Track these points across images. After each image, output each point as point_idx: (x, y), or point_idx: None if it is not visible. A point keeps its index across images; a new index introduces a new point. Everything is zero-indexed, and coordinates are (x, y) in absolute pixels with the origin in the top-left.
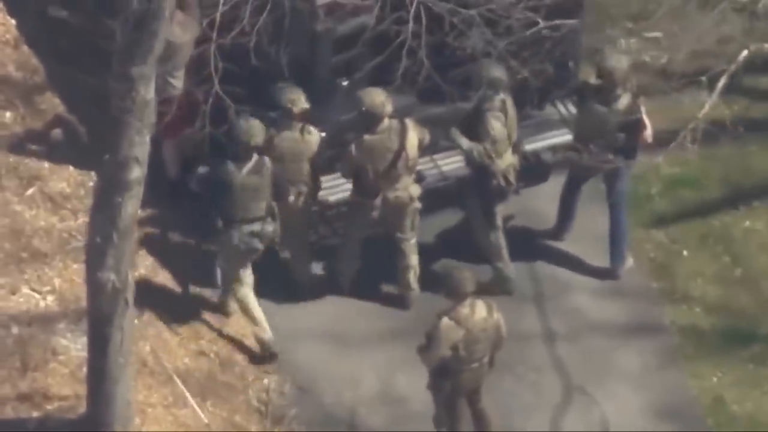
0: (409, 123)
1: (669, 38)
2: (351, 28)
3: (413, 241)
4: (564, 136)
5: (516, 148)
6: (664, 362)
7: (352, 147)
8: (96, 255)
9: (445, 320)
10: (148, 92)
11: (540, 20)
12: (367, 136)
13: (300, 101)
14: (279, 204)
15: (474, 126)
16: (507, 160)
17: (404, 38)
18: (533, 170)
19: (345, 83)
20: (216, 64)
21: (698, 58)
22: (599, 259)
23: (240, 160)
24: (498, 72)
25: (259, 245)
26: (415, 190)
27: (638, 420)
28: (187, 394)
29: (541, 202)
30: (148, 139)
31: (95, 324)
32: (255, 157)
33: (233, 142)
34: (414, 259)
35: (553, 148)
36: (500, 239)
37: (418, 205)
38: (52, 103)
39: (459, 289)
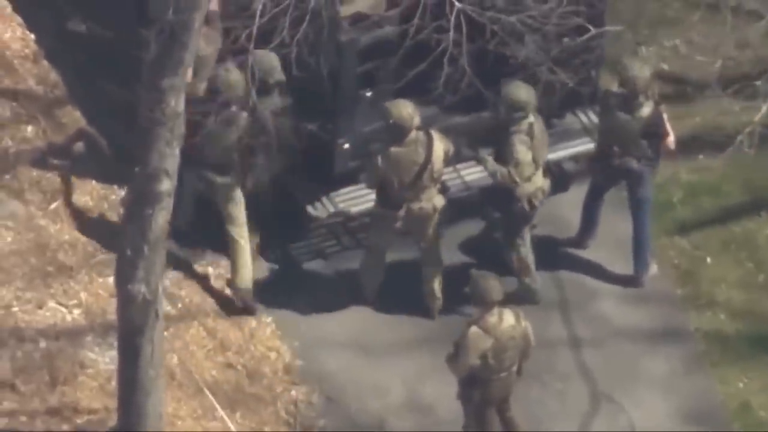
0: (435, 134)
1: (687, 45)
2: (375, 38)
3: (438, 251)
4: (586, 145)
5: (546, 170)
6: (690, 368)
7: (379, 158)
8: (127, 267)
9: (474, 329)
10: (179, 104)
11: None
12: (394, 148)
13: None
14: None
15: (501, 147)
16: (535, 183)
17: (445, 46)
18: (555, 179)
19: (369, 94)
20: (253, 74)
21: (716, 63)
22: (623, 266)
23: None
24: (524, 94)
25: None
26: (440, 201)
27: (665, 426)
28: (217, 406)
29: (563, 210)
30: (177, 151)
31: (126, 336)
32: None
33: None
34: (439, 269)
35: (576, 157)
36: (527, 255)
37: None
38: (73, 117)
39: (486, 297)
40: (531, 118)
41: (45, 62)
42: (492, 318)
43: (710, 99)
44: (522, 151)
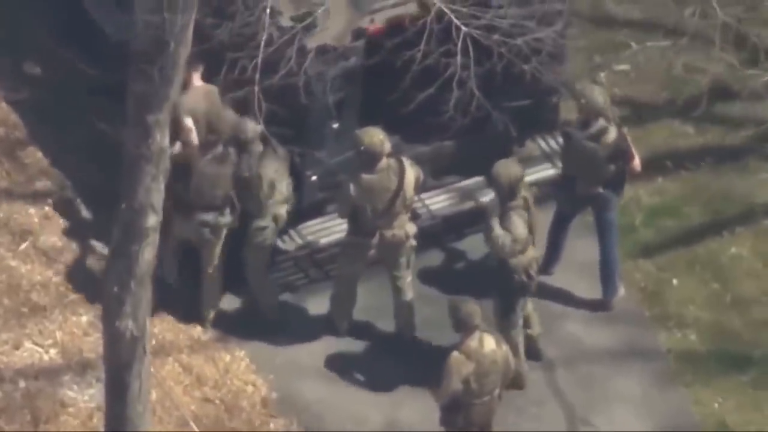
0: (406, 161)
1: (635, 70)
2: (342, 70)
3: (409, 279)
4: (547, 171)
5: (544, 262)
6: (663, 388)
7: (351, 186)
8: (114, 303)
9: (455, 354)
10: (164, 139)
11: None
12: (365, 175)
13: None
14: None
15: (501, 221)
16: (529, 255)
17: (453, 71)
18: None
19: (335, 125)
20: (260, 105)
21: (667, 87)
22: (590, 290)
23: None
24: (515, 172)
25: (209, 236)
26: (411, 228)
27: None
28: None
29: None
30: (163, 186)
31: (113, 372)
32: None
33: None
34: (410, 296)
35: (537, 183)
36: (518, 336)
37: (414, 243)
38: (36, 158)
39: (468, 322)
40: (524, 193)
41: (4, 104)
42: (473, 343)
43: (662, 122)
44: (520, 226)
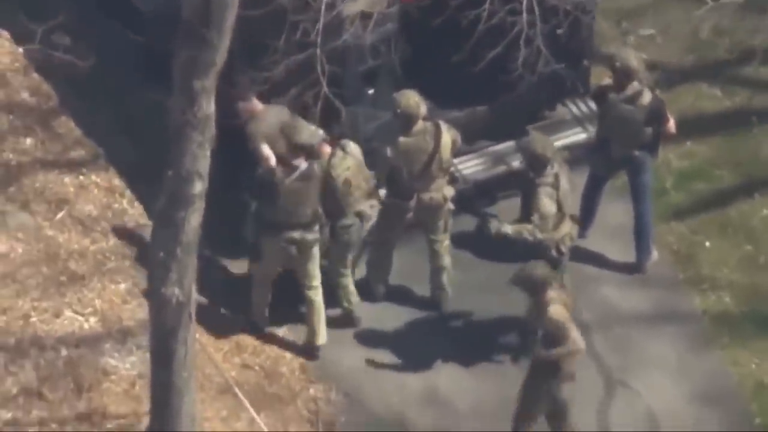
0: (443, 124)
1: (661, 34)
2: (377, 37)
3: (446, 242)
4: (578, 135)
5: (574, 218)
6: (700, 351)
7: (388, 149)
8: (160, 270)
9: (555, 308)
10: (210, 106)
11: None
12: (402, 138)
13: None
14: None
15: (527, 198)
16: (562, 231)
17: (519, 29)
18: None
19: (371, 92)
20: (323, 67)
21: (693, 50)
22: (623, 253)
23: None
24: (541, 146)
25: (295, 253)
26: (449, 191)
27: (683, 409)
28: (248, 406)
29: None
30: (208, 152)
31: (159, 339)
32: (304, 163)
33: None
34: (447, 260)
35: (568, 148)
36: None
37: (451, 206)
38: (68, 128)
39: (544, 282)
40: (556, 168)
41: (35, 75)
42: (553, 293)
43: (689, 86)
44: (547, 204)
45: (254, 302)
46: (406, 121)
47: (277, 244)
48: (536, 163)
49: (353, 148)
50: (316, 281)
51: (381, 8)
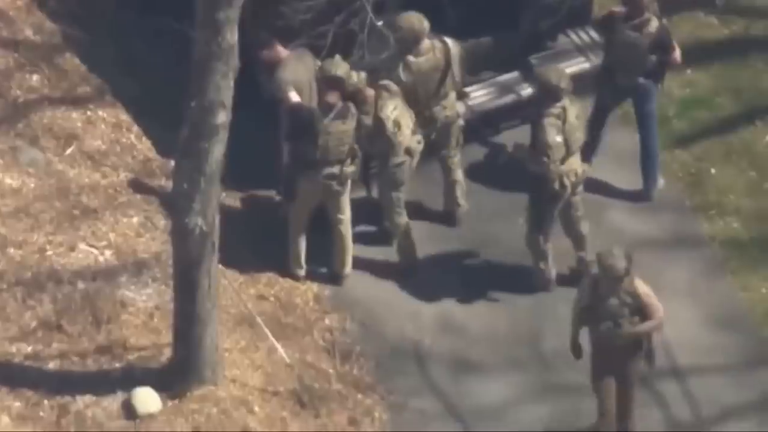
0: (449, 39)
1: None
2: None
3: (458, 157)
4: (581, 65)
5: (582, 153)
6: (711, 276)
7: (400, 72)
8: (183, 200)
9: (639, 283)
10: (233, 36)
11: None
12: (412, 58)
13: None
14: None
15: (533, 128)
16: (569, 166)
17: None
18: None
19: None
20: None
21: None
22: (630, 181)
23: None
24: (555, 78)
25: (338, 187)
26: (460, 107)
27: (695, 332)
28: (269, 334)
29: None
30: (232, 83)
31: (183, 269)
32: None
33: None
34: (460, 175)
35: (572, 77)
36: (546, 246)
37: (461, 122)
38: (74, 64)
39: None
40: (565, 102)
41: (39, 12)
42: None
43: (686, 15)
44: (551, 134)
45: (292, 248)
46: (411, 40)
47: (317, 180)
48: (548, 95)
49: (394, 87)
50: (347, 214)
51: None
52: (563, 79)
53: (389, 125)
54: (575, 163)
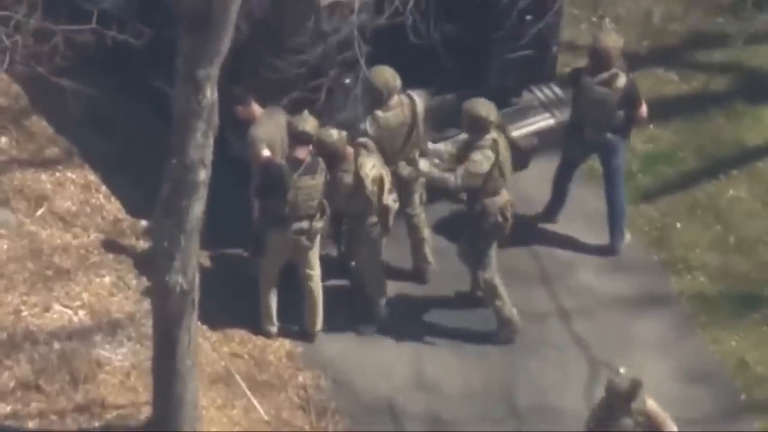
0: (415, 95)
1: (615, 21)
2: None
3: (423, 215)
4: (546, 121)
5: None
6: (681, 330)
7: (368, 125)
8: (164, 259)
9: (650, 403)
10: (213, 94)
11: None
12: (380, 113)
13: None
14: None
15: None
16: (504, 197)
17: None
18: (513, 158)
19: (346, 81)
20: (360, 47)
21: (646, 37)
22: (595, 236)
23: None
24: (485, 110)
25: (306, 242)
26: (423, 163)
27: (668, 387)
28: (248, 392)
29: (526, 187)
30: (212, 141)
31: (163, 327)
32: (309, 157)
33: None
34: (427, 232)
35: (537, 133)
36: (496, 279)
37: (424, 179)
38: (41, 126)
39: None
40: (494, 134)
41: (4, 75)
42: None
43: (646, 71)
44: (480, 160)
45: (263, 305)
46: (384, 95)
47: (286, 236)
48: (476, 126)
49: (371, 144)
50: (317, 270)
51: None
52: (491, 111)
53: (368, 183)
54: (507, 195)
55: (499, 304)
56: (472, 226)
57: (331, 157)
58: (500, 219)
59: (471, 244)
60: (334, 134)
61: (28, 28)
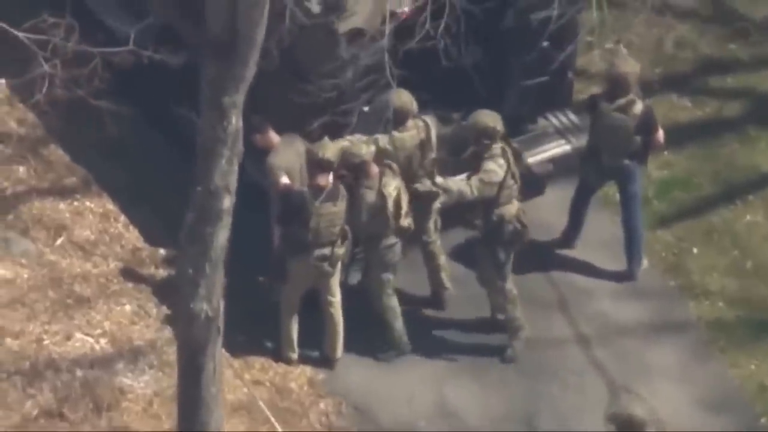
0: (430, 120)
1: (627, 47)
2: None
3: (439, 242)
4: (562, 147)
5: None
6: (699, 356)
7: (385, 142)
8: (188, 286)
9: None
10: (239, 121)
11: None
12: (396, 133)
13: None
14: None
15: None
16: (516, 205)
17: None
18: (529, 184)
19: (365, 109)
20: (391, 71)
21: (659, 64)
22: (612, 263)
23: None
24: (491, 121)
25: (328, 269)
26: (440, 179)
27: (688, 413)
28: (273, 420)
29: (541, 214)
30: (236, 168)
31: (188, 354)
32: (330, 185)
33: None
34: (443, 259)
35: (552, 160)
36: (513, 290)
37: (439, 204)
38: (58, 155)
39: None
40: (501, 144)
41: (20, 105)
42: None
43: (660, 97)
44: (493, 169)
45: (284, 332)
46: (401, 117)
47: (308, 263)
48: (484, 137)
49: (395, 166)
50: (338, 296)
51: (375, 26)
52: (498, 121)
53: (390, 203)
54: (517, 203)
55: (517, 314)
56: (491, 237)
57: (357, 170)
58: (519, 226)
59: (492, 255)
60: (363, 148)
61: (66, 52)
